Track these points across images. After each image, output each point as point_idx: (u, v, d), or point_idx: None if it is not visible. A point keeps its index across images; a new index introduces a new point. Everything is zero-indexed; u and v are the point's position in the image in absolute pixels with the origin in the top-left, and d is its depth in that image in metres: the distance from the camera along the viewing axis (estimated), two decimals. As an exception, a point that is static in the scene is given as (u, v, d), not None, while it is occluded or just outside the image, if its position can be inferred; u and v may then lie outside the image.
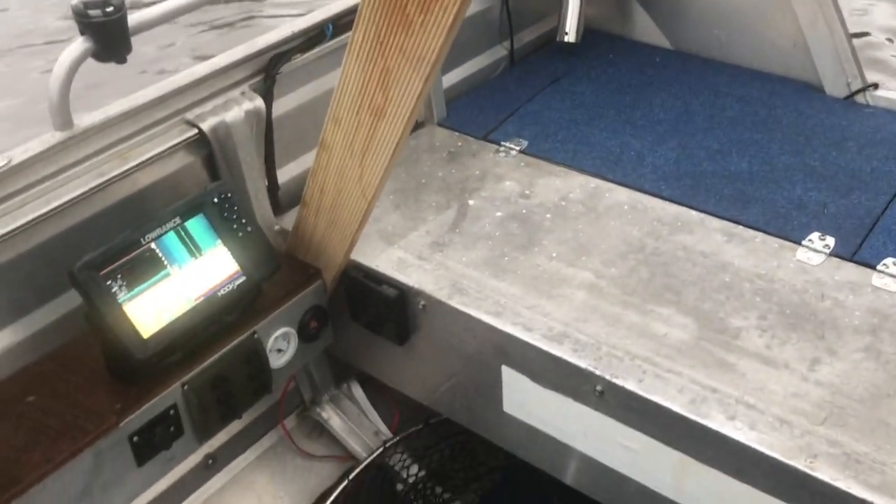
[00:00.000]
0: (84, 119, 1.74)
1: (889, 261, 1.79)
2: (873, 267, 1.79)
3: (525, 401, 1.77)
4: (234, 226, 1.71)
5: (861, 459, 1.40)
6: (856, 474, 1.38)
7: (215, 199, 1.70)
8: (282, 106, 2.07)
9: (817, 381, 1.55)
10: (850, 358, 1.59)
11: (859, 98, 2.39)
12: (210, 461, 2.06)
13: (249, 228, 1.72)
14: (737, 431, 1.46)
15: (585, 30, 2.72)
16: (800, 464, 1.40)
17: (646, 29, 2.77)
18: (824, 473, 1.39)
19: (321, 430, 2.28)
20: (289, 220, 2.02)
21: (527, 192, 2.10)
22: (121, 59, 1.64)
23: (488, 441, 1.95)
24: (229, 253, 1.69)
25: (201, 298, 1.64)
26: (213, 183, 1.86)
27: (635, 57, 2.68)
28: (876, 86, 2.39)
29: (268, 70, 2.00)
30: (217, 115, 1.90)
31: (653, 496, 1.63)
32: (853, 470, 1.39)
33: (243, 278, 1.69)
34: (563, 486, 1.82)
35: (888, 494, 1.34)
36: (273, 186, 2.07)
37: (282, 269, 1.77)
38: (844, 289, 1.74)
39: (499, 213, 2.03)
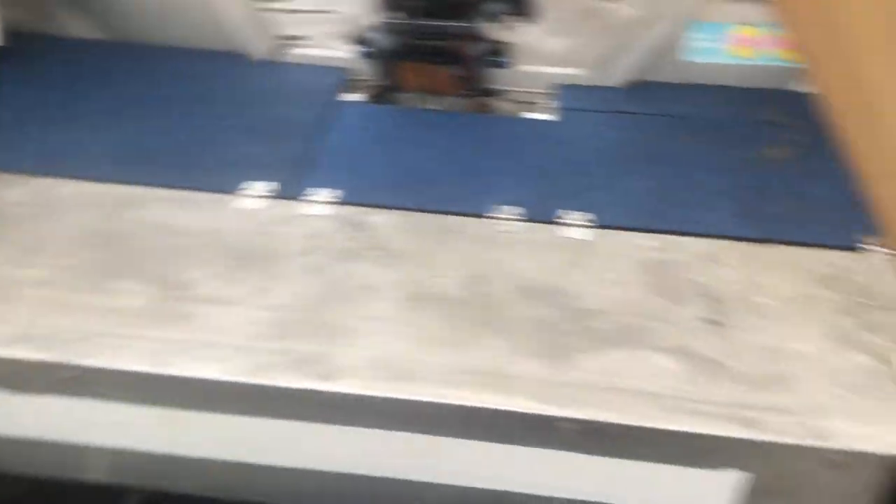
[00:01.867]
0: None
1: (325, 191, 2.07)
2: (305, 200, 2.05)
3: (13, 416, 1.72)
4: None
5: (307, 359, 1.64)
6: (305, 373, 1.61)
7: None
8: None
9: (269, 306, 1.76)
10: (293, 279, 1.83)
11: (279, 57, 2.67)
12: None
13: None
14: (202, 370, 1.61)
15: (13, 33, 2.61)
16: (259, 379, 1.59)
17: (77, 25, 2.75)
18: (280, 380, 1.59)
19: None
20: None
21: None
22: None
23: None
24: None
25: None
26: None
27: (68, 53, 2.66)
28: (291, 45, 2.69)
29: None
30: None
31: (152, 458, 1.72)
32: (303, 371, 1.61)
33: None
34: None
35: (328, 380, 1.59)
36: None
37: None
38: (282, 224, 1.98)
39: None
